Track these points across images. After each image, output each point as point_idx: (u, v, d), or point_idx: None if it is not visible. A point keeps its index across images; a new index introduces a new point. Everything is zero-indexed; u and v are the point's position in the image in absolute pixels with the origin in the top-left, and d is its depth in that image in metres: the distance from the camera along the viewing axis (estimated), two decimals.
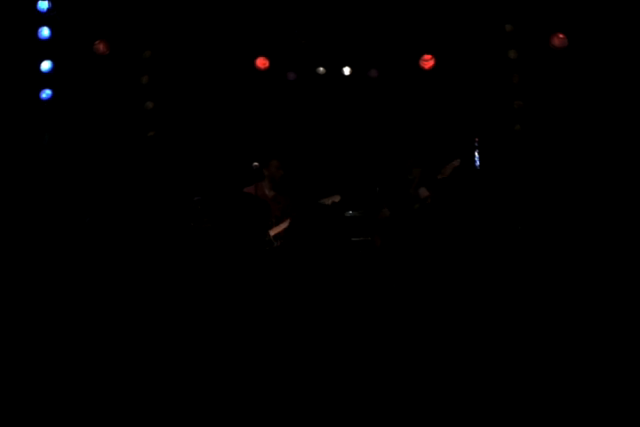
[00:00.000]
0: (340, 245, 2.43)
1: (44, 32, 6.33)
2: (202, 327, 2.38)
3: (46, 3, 6.32)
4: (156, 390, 2.38)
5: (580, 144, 6.28)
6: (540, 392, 2.55)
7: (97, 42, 6.52)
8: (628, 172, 6.05)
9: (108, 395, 2.65)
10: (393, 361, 2.26)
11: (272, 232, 5.19)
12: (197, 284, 2.54)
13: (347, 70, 6.93)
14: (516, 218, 5.25)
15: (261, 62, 6.84)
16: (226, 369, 2.29)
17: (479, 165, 5.70)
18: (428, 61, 6.78)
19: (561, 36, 6.39)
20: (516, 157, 6.38)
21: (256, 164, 5.69)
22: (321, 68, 6.93)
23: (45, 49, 6.39)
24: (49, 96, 6.39)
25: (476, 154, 5.82)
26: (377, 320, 2.34)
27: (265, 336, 2.30)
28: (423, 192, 5.13)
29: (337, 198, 5.32)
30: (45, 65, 6.37)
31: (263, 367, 2.26)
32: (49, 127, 6.39)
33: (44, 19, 6.35)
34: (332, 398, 2.19)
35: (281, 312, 2.34)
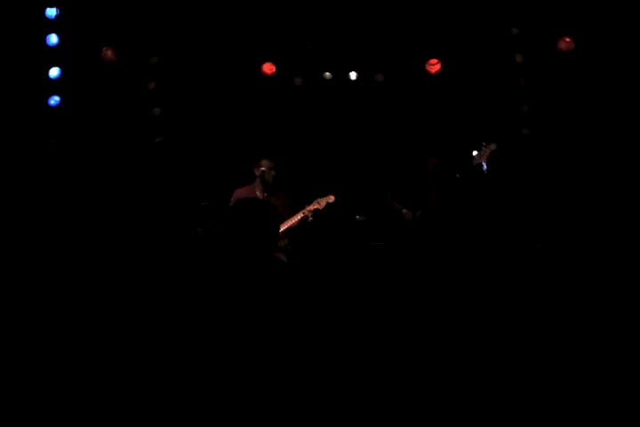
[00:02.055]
0: (356, 249, 2.43)
1: (53, 39, 6.38)
2: (208, 333, 2.38)
3: (54, 9, 6.36)
4: (159, 393, 2.38)
5: (589, 148, 6.26)
6: (542, 393, 2.54)
7: (105, 48, 6.55)
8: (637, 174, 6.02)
9: (112, 396, 2.65)
10: (406, 366, 2.25)
11: None
12: (204, 289, 2.54)
13: (353, 75, 6.94)
14: (525, 223, 5.24)
15: (268, 68, 6.86)
16: (231, 374, 2.29)
17: (487, 170, 5.69)
18: (434, 66, 6.78)
19: (567, 39, 6.38)
20: (525, 161, 6.36)
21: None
22: (327, 73, 6.94)
23: (53, 56, 6.43)
24: (57, 103, 6.42)
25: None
26: (389, 325, 2.33)
27: (274, 344, 2.29)
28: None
29: (331, 199, 5.29)
30: (53, 71, 6.41)
31: (272, 374, 2.25)
32: (57, 134, 6.42)
33: (52, 25, 6.39)
34: (350, 401, 2.18)
35: (290, 319, 2.33)
